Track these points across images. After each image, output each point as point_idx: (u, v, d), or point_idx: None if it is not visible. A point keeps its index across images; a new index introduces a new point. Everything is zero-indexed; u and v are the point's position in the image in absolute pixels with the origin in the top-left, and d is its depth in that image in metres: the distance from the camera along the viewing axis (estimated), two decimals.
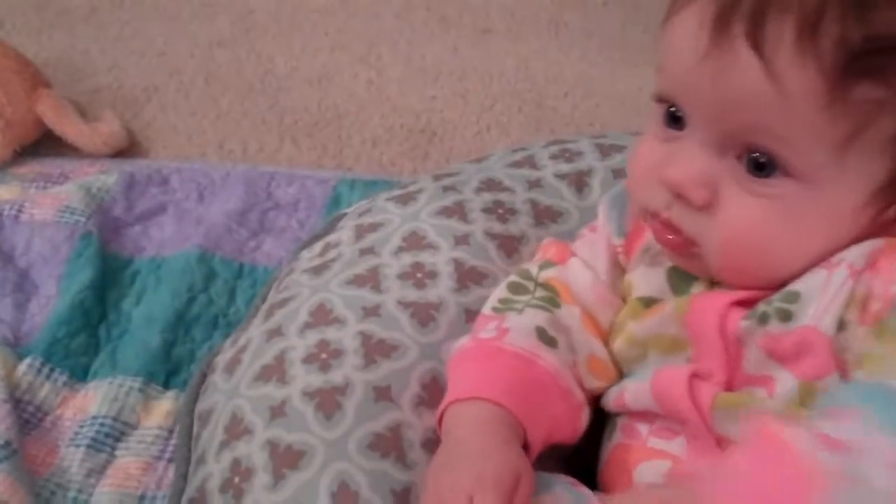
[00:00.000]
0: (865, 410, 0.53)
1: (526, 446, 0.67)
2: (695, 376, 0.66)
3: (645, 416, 0.70)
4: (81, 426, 0.94)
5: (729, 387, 0.65)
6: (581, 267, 0.76)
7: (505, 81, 1.51)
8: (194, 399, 0.85)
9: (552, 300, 0.75)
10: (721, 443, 0.65)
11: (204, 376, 0.87)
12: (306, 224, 1.19)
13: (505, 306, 0.76)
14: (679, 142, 0.65)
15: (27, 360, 0.98)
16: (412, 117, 1.42)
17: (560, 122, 1.43)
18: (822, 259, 0.63)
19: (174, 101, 1.43)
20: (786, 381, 0.63)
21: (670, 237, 0.66)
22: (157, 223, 1.19)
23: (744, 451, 0.54)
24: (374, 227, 0.89)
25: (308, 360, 0.77)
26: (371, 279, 0.83)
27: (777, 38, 0.58)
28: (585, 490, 0.66)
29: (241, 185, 1.24)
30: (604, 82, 1.51)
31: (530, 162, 0.95)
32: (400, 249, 0.85)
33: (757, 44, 0.58)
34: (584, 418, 0.72)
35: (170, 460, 0.91)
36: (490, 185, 0.92)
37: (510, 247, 0.86)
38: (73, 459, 0.91)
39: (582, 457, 0.76)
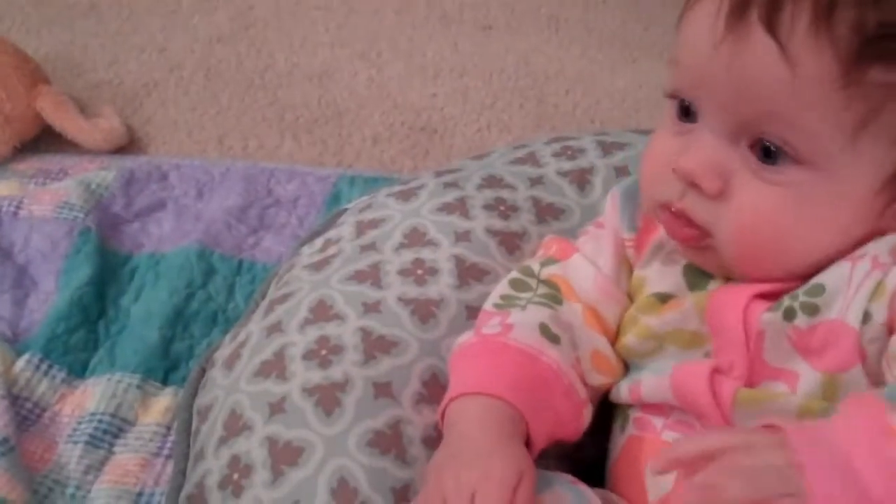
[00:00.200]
0: None
1: (528, 443, 0.67)
2: (716, 371, 0.66)
3: (660, 409, 0.70)
4: (80, 422, 0.93)
5: (749, 381, 0.65)
6: (584, 263, 0.76)
7: (505, 78, 1.51)
8: (193, 394, 0.85)
9: (554, 297, 0.74)
10: None
11: (203, 371, 0.86)
12: (306, 221, 1.19)
13: (507, 302, 0.75)
14: (692, 134, 0.65)
15: (25, 356, 0.98)
16: (412, 114, 1.42)
17: (561, 118, 1.43)
18: (838, 250, 0.63)
19: (174, 96, 1.43)
20: (809, 375, 0.63)
21: (683, 230, 0.66)
22: (156, 219, 1.18)
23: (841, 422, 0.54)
24: (374, 224, 0.89)
25: (308, 356, 0.77)
26: (372, 275, 0.83)
27: (793, 23, 0.59)
28: (586, 488, 0.66)
29: (240, 182, 1.23)
30: (604, 79, 1.51)
31: (532, 159, 0.94)
32: (401, 246, 0.85)
33: (773, 28, 0.59)
34: (586, 416, 0.72)
35: (168, 457, 0.91)
36: (492, 181, 0.91)
37: (511, 244, 0.86)
38: (71, 456, 0.91)
39: (583, 454, 0.75)
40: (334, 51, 1.55)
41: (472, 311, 0.78)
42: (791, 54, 0.59)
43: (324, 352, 0.77)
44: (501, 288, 0.77)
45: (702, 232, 0.65)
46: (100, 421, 0.93)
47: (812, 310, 0.63)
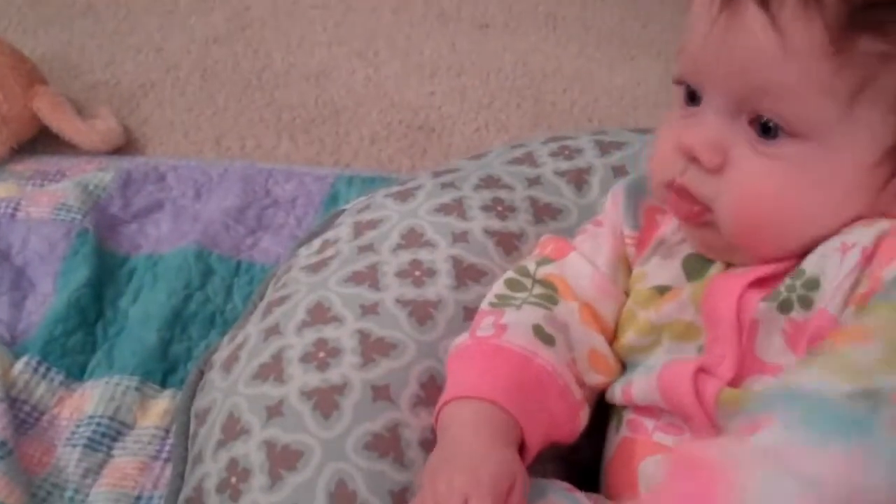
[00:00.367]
0: (775, 416, 0.54)
1: (524, 446, 0.67)
2: (701, 371, 0.66)
3: (651, 411, 0.70)
4: (78, 426, 0.93)
5: (739, 374, 0.65)
6: (580, 261, 0.76)
7: (503, 77, 1.51)
8: (191, 396, 0.85)
9: (550, 297, 0.74)
10: None
11: (201, 374, 0.86)
12: (304, 221, 1.19)
13: (502, 302, 0.75)
14: (696, 115, 0.67)
15: (24, 359, 0.98)
16: (410, 113, 1.42)
17: (559, 117, 1.43)
18: (837, 226, 0.64)
19: (171, 97, 1.43)
20: None
21: (685, 207, 0.67)
22: (154, 220, 1.18)
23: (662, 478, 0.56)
24: (372, 224, 0.88)
25: (306, 358, 0.77)
26: (369, 277, 0.82)
27: None
28: (581, 495, 0.66)
29: (238, 182, 1.23)
30: (602, 77, 1.51)
31: (530, 159, 0.94)
32: (398, 246, 0.85)
33: (764, 1, 0.60)
34: (582, 417, 0.72)
35: (166, 460, 0.91)
36: (489, 182, 0.91)
37: (509, 244, 0.85)
38: (69, 459, 0.90)
39: (580, 455, 0.75)
40: (331, 50, 1.55)
41: (470, 312, 0.78)
42: (781, 26, 0.60)
43: (322, 354, 0.76)
44: (497, 287, 0.77)
45: (703, 207, 0.66)
46: (98, 424, 0.93)
47: (808, 303, 0.63)
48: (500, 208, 0.88)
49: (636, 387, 0.70)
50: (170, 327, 1.03)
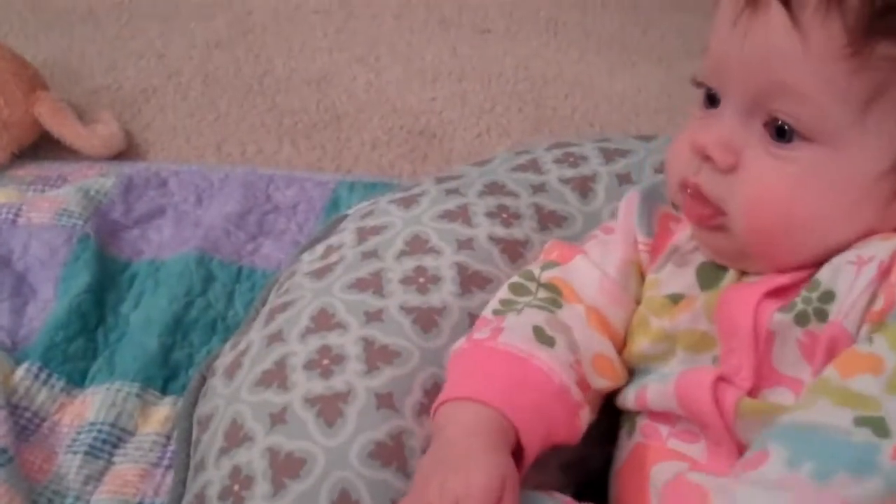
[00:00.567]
0: (779, 450, 0.56)
1: (521, 449, 0.67)
2: (720, 379, 0.66)
3: (667, 417, 0.70)
4: (79, 432, 0.93)
5: (757, 385, 0.65)
6: (587, 266, 0.76)
7: (504, 82, 1.51)
8: (193, 403, 0.85)
9: (554, 300, 0.74)
10: (743, 449, 0.64)
11: (203, 380, 0.86)
12: (305, 227, 1.18)
13: (506, 307, 0.75)
14: (713, 117, 0.67)
15: (24, 365, 0.98)
16: (411, 119, 1.42)
17: (559, 122, 1.43)
18: (847, 237, 0.64)
19: (172, 102, 1.43)
20: (811, 382, 0.63)
21: (698, 208, 0.67)
22: (156, 226, 1.18)
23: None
24: (376, 230, 0.88)
25: (309, 365, 0.76)
26: (373, 283, 0.82)
27: None
28: None
29: (239, 188, 1.23)
30: (603, 83, 1.51)
31: (534, 166, 0.94)
32: (402, 253, 0.85)
33: (786, 0, 0.61)
34: (583, 418, 0.71)
35: (168, 467, 0.90)
36: (494, 188, 0.91)
37: (514, 251, 0.85)
38: (70, 466, 0.90)
39: (590, 463, 0.75)
40: (333, 55, 1.55)
41: (475, 320, 0.78)
42: (802, 26, 0.61)
43: (325, 361, 0.76)
44: (502, 293, 0.77)
45: (715, 209, 0.66)
46: (99, 431, 0.93)
47: (824, 316, 0.63)
48: (504, 215, 0.88)
49: (651, 392, 0.70)
50: (171, 333, 1.03)
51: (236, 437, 0.75)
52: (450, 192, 0.91)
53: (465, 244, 0.85)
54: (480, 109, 1.44)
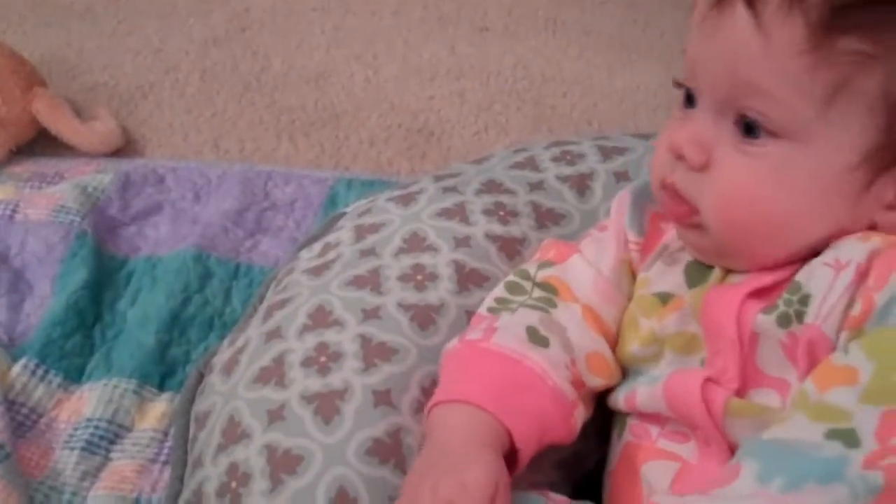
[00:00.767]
0: (751, 465, 0.56)
1: (515, 450, 0.66)
2: (708, 380, 0.66)
3: (656, 418, 0.70)
4: (76, 428, 0.93)
5: (743, 386, 0.65)
6: (583, 264, 0.76)
7: (503, 80, 1.50)
8: (191, 399, 0.85)
9: (548, 300, 0.74)
10: (733, 449, 0.64)
11: (201, 376, 0.86)
12: (303, 224, 1.18)
13: (501, 306, 0.75)
14: (689, 117, 0.68)
15: (21, 362, 0.98)
16: (410, 116, 1.41)
17: (558, 120, 1.43)
18: (823, 234, 0.64)
19: (170, 99, 1.42)
20: (798, 386, 0.63)
21: (674, 206, 0.68)
22: (153, 223, 1.18)
23: None
24: (374, 228, 0.88)
25: (307, 363, 0.76)
26: (371, 281, 0.82)
27: None
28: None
29: (237, 185, 1.23)
30: (602, 81, 1.51)
31: (532, 164, 0.94)
32: (400, 251, 0.85)
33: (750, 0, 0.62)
34: (577, 417, 0.71)
35: (165, 463, 0.91)
36: (491, 186, 0.91)
37: (511, 249, 0.85)
38: (67, 462, 0.90)
39: (585, 463, 0.75)
40: (331, 53, 1.55)
41: (472, 317, 0.78)
42: (765, 24, 0.62)
43: (323, 359, 0.76)
44: (497, 291, 0.77)
45: (690, 208, 0.67)
46: (96, 427, 0.93)
47: (803, 318, 0.63)
48: (502, 213, 0.88)
49: (640, 395, 0.70)
50: (168, 330, 1.03)
51: (234, 433, 0.75)
52: (448, 189, 0.91)
53: (462, 242, 0.85)
54: (479, 107, 1.44)
